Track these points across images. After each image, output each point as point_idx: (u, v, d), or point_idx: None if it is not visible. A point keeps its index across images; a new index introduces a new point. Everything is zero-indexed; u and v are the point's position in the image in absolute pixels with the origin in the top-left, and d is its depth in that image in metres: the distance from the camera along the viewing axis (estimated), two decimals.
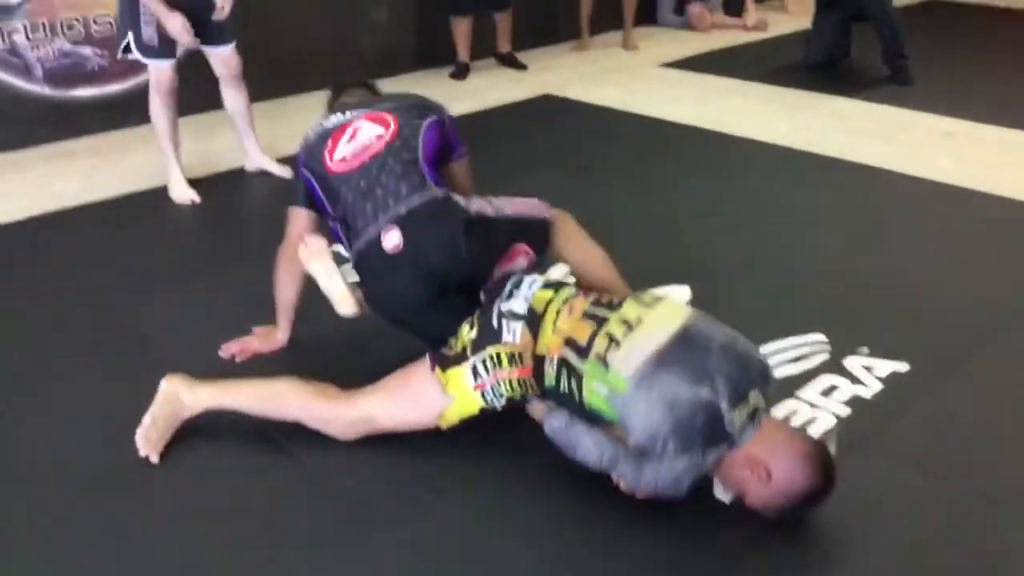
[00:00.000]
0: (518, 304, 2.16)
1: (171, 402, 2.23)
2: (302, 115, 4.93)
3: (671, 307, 2.09)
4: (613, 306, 2.08)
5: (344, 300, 2.35)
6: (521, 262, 2.32)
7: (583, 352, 2.01)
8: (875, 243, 3.39)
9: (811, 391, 2.47)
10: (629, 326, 2.00)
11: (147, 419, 2.20)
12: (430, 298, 2.27)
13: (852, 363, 2.59)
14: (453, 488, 2.12)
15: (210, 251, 3.55)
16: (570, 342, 2.04)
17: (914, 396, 2.46)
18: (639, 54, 6.47)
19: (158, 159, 4.03)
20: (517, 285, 2.21)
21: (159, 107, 3.78)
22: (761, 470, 1.87)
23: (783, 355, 2.62)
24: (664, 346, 1.94)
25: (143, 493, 2.13)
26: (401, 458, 2.19)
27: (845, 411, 2.39)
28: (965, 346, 2.69)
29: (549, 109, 5.22)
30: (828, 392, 2.47)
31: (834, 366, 2.58)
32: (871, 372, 2.55)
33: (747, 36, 6.96)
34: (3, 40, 4.41)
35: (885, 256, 3.28)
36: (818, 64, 5.78)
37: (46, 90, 4.59)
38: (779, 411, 2.37)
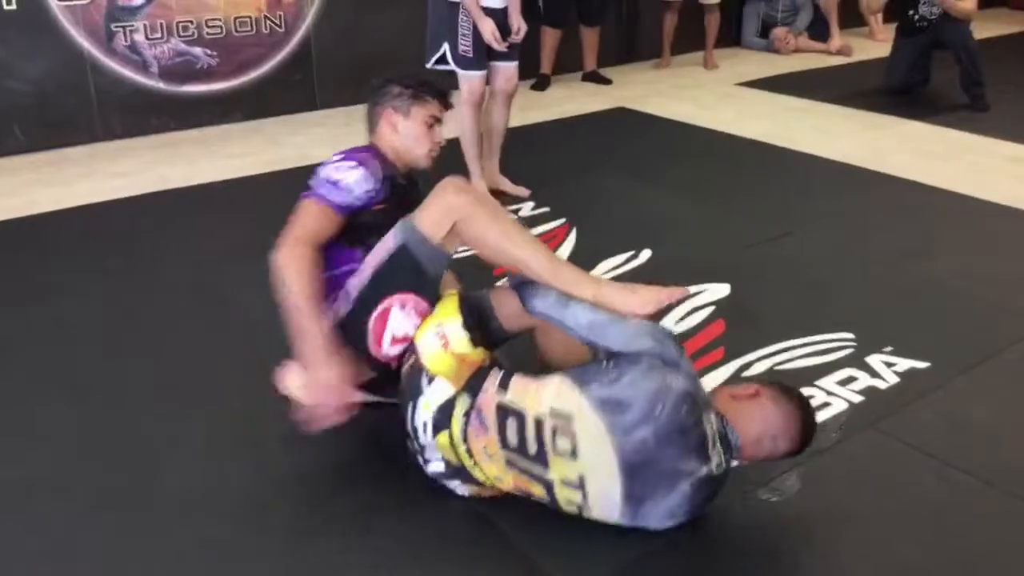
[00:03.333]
0: (431, 452, 2.04)
1: None
2: None
3: (593, 444, 1.86)
4: (532, 456, 1.90)
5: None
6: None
7: (552, 501, 1.96)
8: (921, 255, 3.50)
9: (829, 381, 2.63)
10: (580, 487, 1.90)
11: None
12: None
13: (874, 359, 2.73)
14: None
15: None
16: (524, 489, 1.97)
17: (929, 391, 2.59)
18: (718, 73, 6.64)
19: (255, 151, 4.41)
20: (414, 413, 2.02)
21: (468, 117, 3.94)
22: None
23: (808, 349, 2.79)
24: (626, 487, 1.87)
25: None
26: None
27: (858, 399, 2.54)
28: (987, 351, 2.80)
29: (623, 121, 5.45)
30: (845, 382, 2.62)
31: (856, 361, 2.73)
32: (890, 368, 2.69)
33: (830, 60, 7.05)
34: (125, 39, 4.88)
35: (928, 266, 3.39)
36: (897, 89, 5.84)
37: (160, 85, 5.04)
38: None
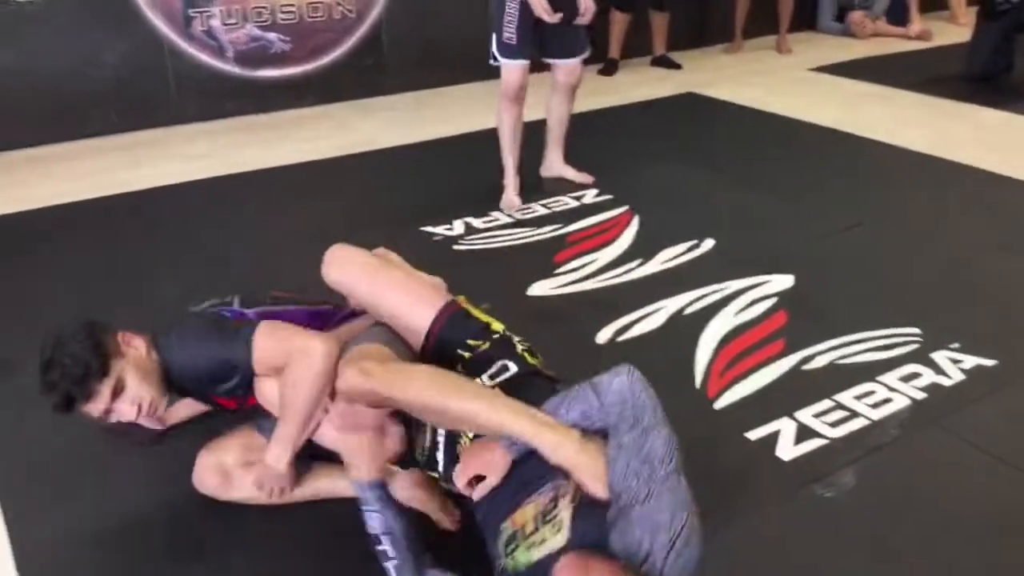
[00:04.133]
0: None
1: None
2: (459, 104, 5.36)
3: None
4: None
5: None
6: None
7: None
8: (995, 250, 3.40)
9: (892, 376, 2.59)
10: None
11: None
12: None
13: (939, 356, 2.68)
14: None
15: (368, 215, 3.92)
16: None
17: (994, 389, 2.53)
18: (790, 58, 6.52)
19: (326, 135, 4.49)
20: None
21: (504, 111, 3.76)
22: None
23: (872, 344, 2.75)
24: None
25: None
26: None
27: (921, 396, 2.50)
28: None
29: (690, 106, 5.39)
30: (908, 378, 2.58)
31: (921, 357, 2.68)
32: (956, 365, 2.64)
33: (909, 45, 6.86)
34: (202, 24, 5.00)
35: (1002, 262, 3.30)
36: (978, 76, 5.66)
37: (235, 69, 5.16)
38: (856, 392, 2.52)
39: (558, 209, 3.80)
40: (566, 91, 3.91)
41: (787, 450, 2.29)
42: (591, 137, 4.67)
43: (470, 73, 5.56)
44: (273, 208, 3.95)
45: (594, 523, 1.55)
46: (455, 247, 3.47)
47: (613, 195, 3.92)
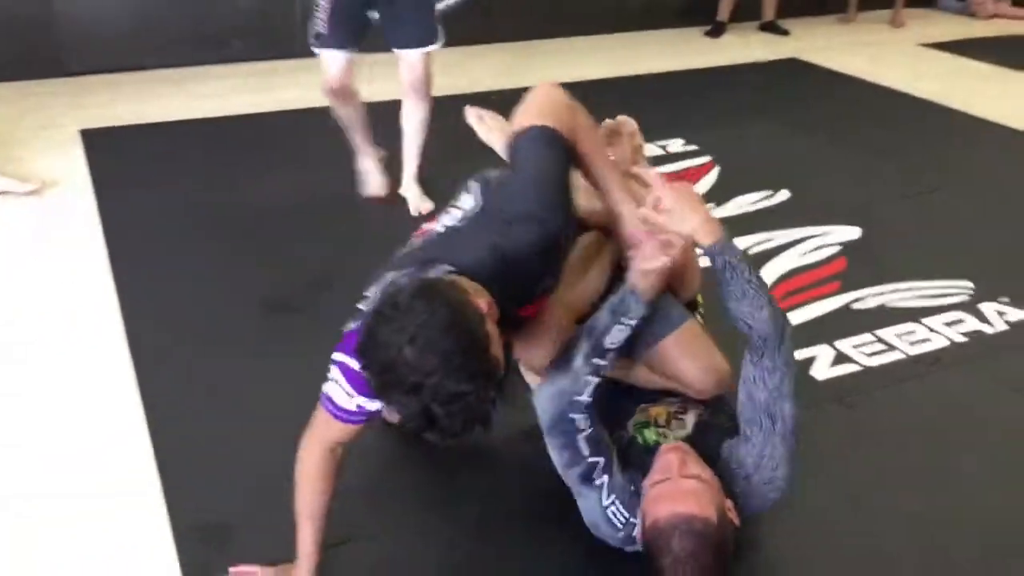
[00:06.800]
0: None
1: None
2: (553, 59, 5.55)
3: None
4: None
5: None
6: None
7: None
8: None
9: (936, 320, 2.73)
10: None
11: None
12: None
13: (987, 307, 2.81)
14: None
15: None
16: None
17: None
18: (904, 32, 6.48)
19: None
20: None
21: (336, 108, 3.29)
22: None
23: (923, 292, 2.88)
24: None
25: None
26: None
27: (961, 339, 2.64)
28: None
29: (792, 71, 5.47)
30: (952, 324, 2.72)
31: (969, 307, 2.81)
32: (1002, 317, 2.76)
33: None
34: None
35: None
36: None
37: None
38: (898, 330, 2.68)
39: None
40: (413, 95, 3.27)
41: (822, 371, 2.48)
42: (686, 94, 4.84)
43: (569, 31, 5.75)
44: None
45: (712, 434, 1.82)
46: None
47: (698, 146, 4.09)
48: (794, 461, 1.75)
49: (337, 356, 1.60)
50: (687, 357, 1.88)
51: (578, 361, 1.77)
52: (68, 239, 3.13)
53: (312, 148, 3.95)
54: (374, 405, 1.58)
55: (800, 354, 2.54)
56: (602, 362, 1.77)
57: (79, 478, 2.05)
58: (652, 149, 4.05)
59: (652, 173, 1.83)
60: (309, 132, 4.10)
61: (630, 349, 1.85)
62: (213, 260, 3.02)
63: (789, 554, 1.91)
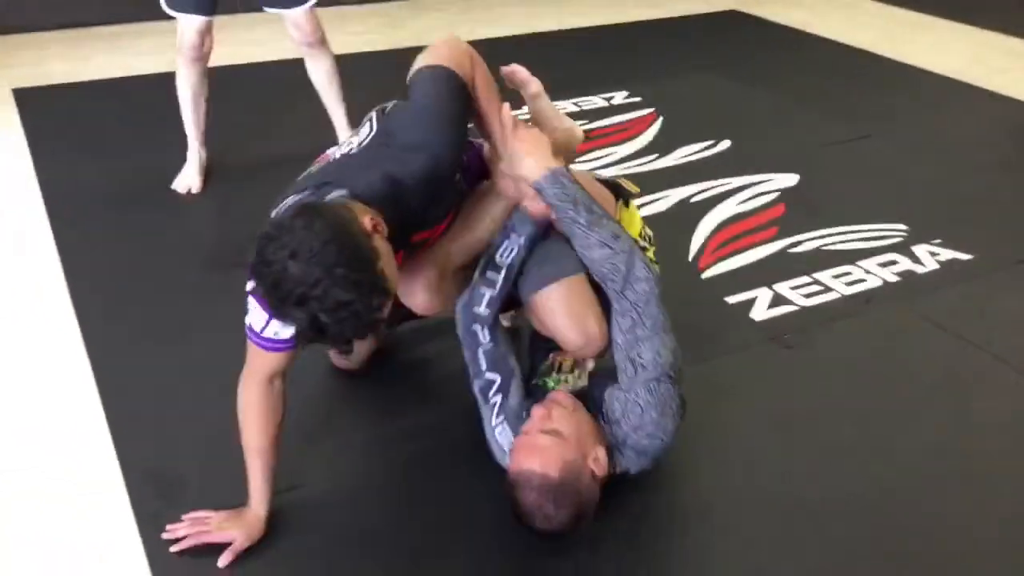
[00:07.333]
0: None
1: None
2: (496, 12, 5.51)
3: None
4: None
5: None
6: None
7: None
8: (1002, 168, 3.55)
9: (871, 262, 2.82)
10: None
11: None
12: None
13: (919, 248, 2.90)
14: None
15: None
16: None
17: (965, 280, 2.75)
18: None
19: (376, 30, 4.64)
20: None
21: (181, 76, 3.06)
22: None
23: (859, 235, 2.97)
24: None
25: None
26: None
27: (894, 279, 2.73)
28: None
29: (732, 23, 5.52)
30: (886, 265, 2.81)
31: (902, 248, 2.91)
32: (933, 257, 2.86)
33: None
34: None
35: (998, 176, 3.46)
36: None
37: None
38: (834, 272, 2.76)
39: (586, 108, 4.02)
40: (307, 50, 3.15)
41: (760, 313, 2.56)
42: (628, 47, 4.87)
43: None
44: None
45: (607, 381, 1.85)
46: None
47: (641, 98, 4.13)
48: (668, 407, 1.75)
49: (248, 286, 1.64)
50: (562, 313, 1.87)
51: (476, 274, 1.89)
52: (5, 201, 3.08)
53: (256, 104, 3.92)
54: (287, 332, 1.63)
55: (739, 297, 2.63)
56: (496, 276, 1.86)
57: (28, 436, 2.05)
58: (596, 101, 4.09)
59: (507, 118, 1.86)
60: (250, 88, 4.07)
61: (522, 287, 1.91)
62: (154, 219, 3.00)
63: (719, 493, 1.96)
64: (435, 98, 1.74)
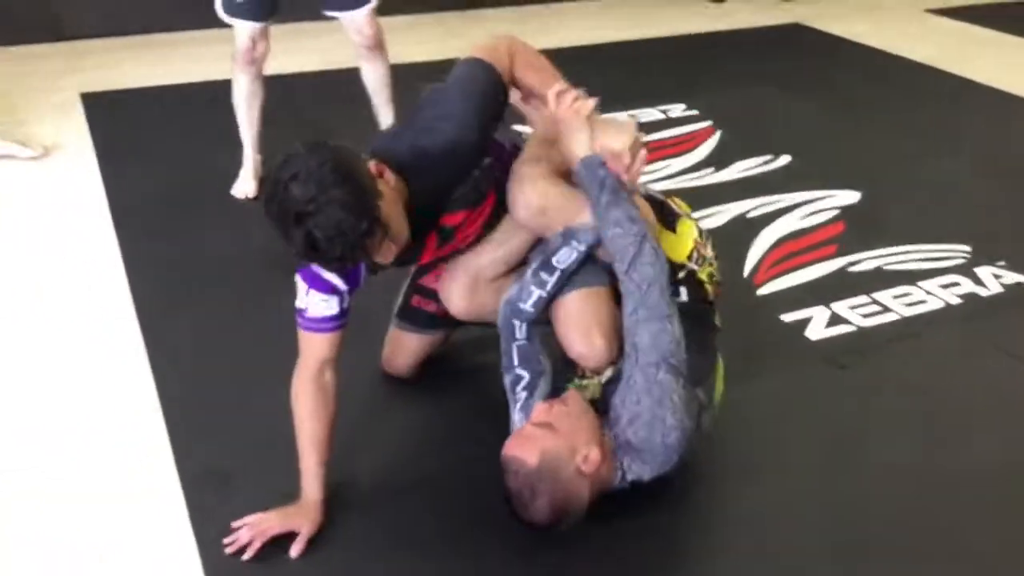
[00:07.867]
0: None
1: None
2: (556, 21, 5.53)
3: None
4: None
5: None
6: None
7: None
8: None
9: (932, 283, 2.76)
10: None
11: None
12: None
13: (983, 270, 2.83)
14: None
15: None
16: None
17: None
18: None
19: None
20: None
21: (237, 82, 3.11)
22: None
23: (920, 255, 2.91)
24: None
25: None
26: None
27: (956, 301, 2.67)
28: None
29: (795, 37, 5.45)
30: (948, 286, 2.75)
31: (965, 270, 2.84)
32: (997, 280, 2.79)
33: None
34: None
35: None
36: None
37: None
38: (894, 292, 2.70)
39: (643, 120, 4.00)
40: (366, 53, 3.17)
41: (816, 332, 2.51)
42: (689, 59, 4.83)
43: None
44: None
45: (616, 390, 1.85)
46: None
47: (699, 111, 4.09)
48: (667, 398, 1.73)
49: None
50: (573, 320, 1.90)
51: (528, 273, 1.92)
52: (71, 204, 3.16)
53: (317, 111, 3.97)
54: (330, 296, 1.77)
55: (795, 315, 2.59)
56: (549, 278, 1.88)
57: (90, 432, 2.10)
58: (653, 114, 4.06)
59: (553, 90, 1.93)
60: (313, 95, 4.13)
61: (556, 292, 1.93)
62: (217, 220, 3.05)
63: (775, 510, 1.93)
64: (468, 80, 1.85)
